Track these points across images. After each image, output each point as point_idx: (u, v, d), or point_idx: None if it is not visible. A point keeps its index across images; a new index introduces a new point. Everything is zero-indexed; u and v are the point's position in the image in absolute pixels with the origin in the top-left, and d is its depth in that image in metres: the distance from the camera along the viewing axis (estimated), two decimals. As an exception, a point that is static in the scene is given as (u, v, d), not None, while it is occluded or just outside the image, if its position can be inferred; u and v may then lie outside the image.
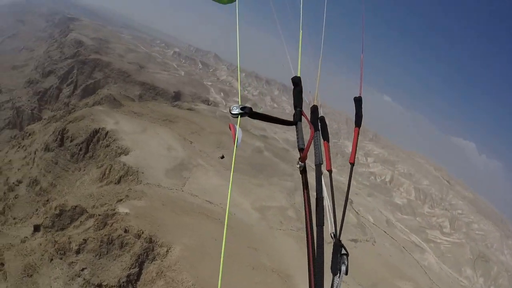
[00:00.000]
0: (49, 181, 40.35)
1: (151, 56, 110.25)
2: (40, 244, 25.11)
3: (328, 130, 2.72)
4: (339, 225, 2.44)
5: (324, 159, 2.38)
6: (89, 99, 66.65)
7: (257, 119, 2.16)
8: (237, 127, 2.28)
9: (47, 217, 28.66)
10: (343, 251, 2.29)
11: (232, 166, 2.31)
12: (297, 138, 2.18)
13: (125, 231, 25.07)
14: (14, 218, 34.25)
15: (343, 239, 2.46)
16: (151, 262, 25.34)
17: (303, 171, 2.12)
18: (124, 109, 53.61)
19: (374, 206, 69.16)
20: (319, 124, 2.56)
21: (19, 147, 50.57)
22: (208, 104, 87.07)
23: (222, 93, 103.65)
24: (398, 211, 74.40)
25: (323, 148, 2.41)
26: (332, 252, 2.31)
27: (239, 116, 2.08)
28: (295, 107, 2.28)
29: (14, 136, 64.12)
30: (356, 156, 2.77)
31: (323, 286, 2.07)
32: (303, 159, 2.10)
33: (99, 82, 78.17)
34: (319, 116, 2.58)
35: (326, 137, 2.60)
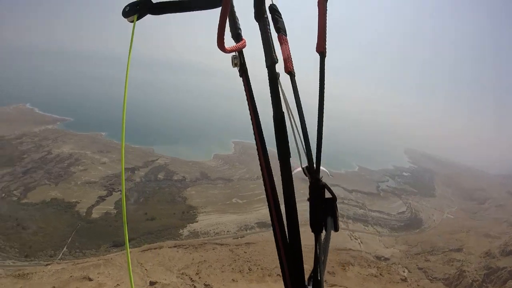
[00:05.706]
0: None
1: None
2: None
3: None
4: (315, 155, 1.52)
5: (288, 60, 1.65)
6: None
7: (163, 13, 1.56)
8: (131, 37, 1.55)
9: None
10: (327, 195, 1.48)
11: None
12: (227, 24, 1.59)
13: None
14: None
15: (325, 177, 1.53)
16: None
17: (242, 68, 1.61)
18: None
19: None
20: (269, 14, 1.76)
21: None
22: None
23: None
24: None
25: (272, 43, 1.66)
26: (309, 198, 1.47)
27: (136, 18, 1.51)
28: None
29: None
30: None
31: (302, 262, 1.36)
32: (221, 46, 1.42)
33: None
34: (271, 3, 1.78)
35: (280, 30, 1.75)
